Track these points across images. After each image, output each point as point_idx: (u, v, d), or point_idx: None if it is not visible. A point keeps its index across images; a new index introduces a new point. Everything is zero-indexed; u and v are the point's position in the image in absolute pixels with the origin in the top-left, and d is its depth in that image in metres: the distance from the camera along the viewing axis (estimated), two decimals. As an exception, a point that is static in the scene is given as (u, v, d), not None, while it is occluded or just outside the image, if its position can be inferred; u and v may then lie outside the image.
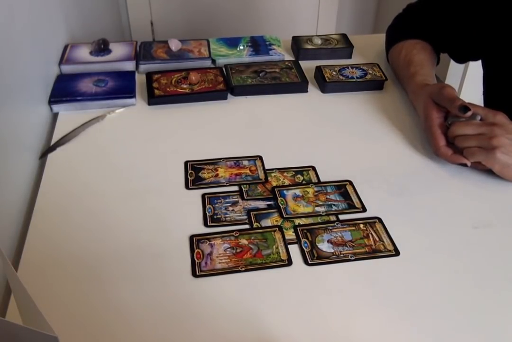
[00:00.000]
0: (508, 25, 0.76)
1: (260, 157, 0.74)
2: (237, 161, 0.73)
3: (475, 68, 1.62)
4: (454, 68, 1.89)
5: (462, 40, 0.85)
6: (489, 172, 0.69)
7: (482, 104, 0.84)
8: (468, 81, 1.90)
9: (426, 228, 0.63)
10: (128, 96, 0.85)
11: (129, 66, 0.93)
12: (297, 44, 1.01)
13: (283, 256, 0.59)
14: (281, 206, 0.66)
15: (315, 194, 0.68)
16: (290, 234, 0.62)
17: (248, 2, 2.29)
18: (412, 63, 0.85)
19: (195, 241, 0.60)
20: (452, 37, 0.87)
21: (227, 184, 0.69)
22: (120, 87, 0.86)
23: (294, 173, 0.72)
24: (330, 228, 0.63)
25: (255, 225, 0.63)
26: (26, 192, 0.70)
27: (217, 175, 0.71)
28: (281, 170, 0.72)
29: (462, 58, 0.91)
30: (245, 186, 0.69)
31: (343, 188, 0.69)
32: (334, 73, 0.92)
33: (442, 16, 0.88)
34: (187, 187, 0.69)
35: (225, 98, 0.88)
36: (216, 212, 0.65)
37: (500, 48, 0.79)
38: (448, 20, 0.86)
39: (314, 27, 2.42)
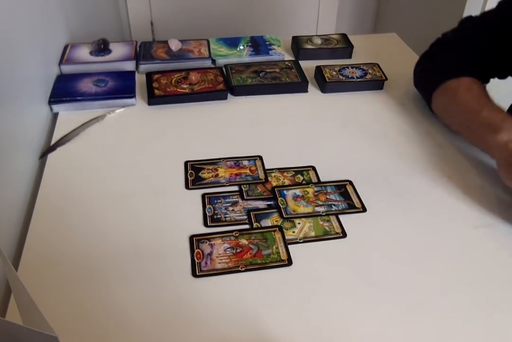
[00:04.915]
0: None
1: (260, 157, 0.74)
2: (237, 161, 0.73)
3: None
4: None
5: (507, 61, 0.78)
6: (489, 172, 0.69)
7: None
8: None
9: (426, 228, 0.63)
10: (128, 96, 0.85)
11: (129, 66, 0.94)
12: (297, 44, 1.01)
13: (283, 256, 0.59)
14: (281, 206, 0.66)
15: (315, 194, 0.68)
16: (290, 234, 0.62)
17: (248, 2, 2.28)
18: (482, 100, 0.74)
19: (195, 241, 0.60)
20: (498, 61, 0.80)
21: (227, 184, 0.69)
22: (120, 87, 0.86)
23: (294, 173, 0.72)
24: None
25: (255, 225, 0.63)
26: (26, 191, 0.70)
27: (217, 175, 0.71)
28: (281, 170, 0.72)
29: (506, 75, 0.83)
30: (245, 186, 0.69)
31: (343, 188, 0.69)
32: (334, 73, 0.92)
33: (487, 43, 0.80)
34: (187, 187, 0.69)
35: (225, 98, 0.88)
36: (216, 212, 0.65)
37: None
38: (493, 47, 0.80)
39: (314, 27, 2.42)
